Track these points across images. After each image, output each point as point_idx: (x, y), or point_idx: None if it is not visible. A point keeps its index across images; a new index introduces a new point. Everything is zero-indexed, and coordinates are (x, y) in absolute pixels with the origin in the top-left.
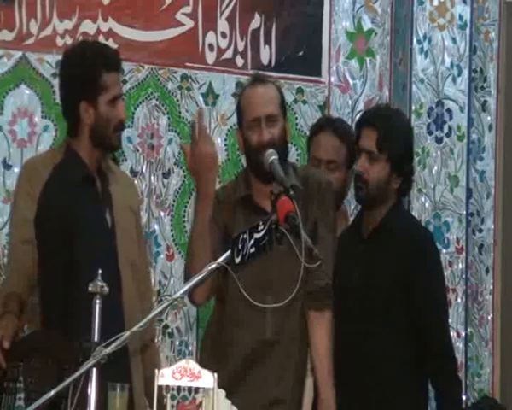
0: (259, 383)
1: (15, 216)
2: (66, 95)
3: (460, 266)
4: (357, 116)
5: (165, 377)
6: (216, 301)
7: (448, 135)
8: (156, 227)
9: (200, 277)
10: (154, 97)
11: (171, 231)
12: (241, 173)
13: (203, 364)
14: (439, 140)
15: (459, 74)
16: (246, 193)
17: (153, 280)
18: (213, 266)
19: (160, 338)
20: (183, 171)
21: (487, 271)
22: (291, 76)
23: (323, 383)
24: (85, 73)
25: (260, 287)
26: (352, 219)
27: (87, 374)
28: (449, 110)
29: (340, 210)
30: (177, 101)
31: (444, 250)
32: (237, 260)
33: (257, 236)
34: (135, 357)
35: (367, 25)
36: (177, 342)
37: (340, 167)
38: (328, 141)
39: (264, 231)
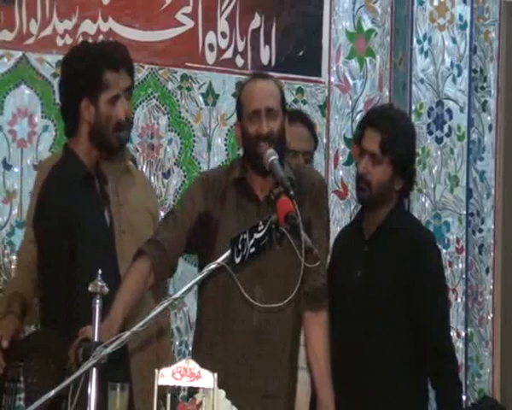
0: (250, 378)
1: (28, 216)
2: (67, 92)
3: (460, 266)
4: (358, 116)
5: (165, 377)
6: (199, 296)
7: (448, 135)
8: None
9: (200, 277)
10: (154, 97)
11: None
12: (236, 159)
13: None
14: (439, 140)
15: (459, 74)
16: (241, 175)
17: None
18: (213, 266)
19: None
20: (183, 171)
21: (487, 271)
22: (291, 76)
23: (322, 384)
24: (88, 70)
25: (248, 277)
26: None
27: (87, 374)
28: (449, 110)
29: None
30: (177, 101)
31: (444, 250)
32: (237, 260)
33: (257, 236)
34: (135, 357)
35: (367, 25)
36: (177, 342)
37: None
38: (300, 132)
39: (264, 231)
